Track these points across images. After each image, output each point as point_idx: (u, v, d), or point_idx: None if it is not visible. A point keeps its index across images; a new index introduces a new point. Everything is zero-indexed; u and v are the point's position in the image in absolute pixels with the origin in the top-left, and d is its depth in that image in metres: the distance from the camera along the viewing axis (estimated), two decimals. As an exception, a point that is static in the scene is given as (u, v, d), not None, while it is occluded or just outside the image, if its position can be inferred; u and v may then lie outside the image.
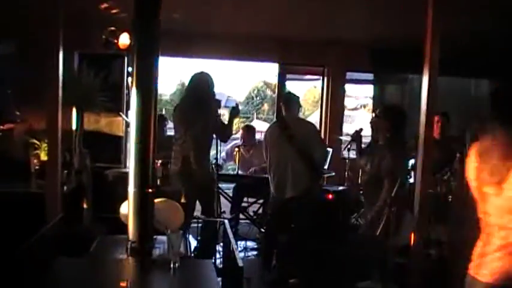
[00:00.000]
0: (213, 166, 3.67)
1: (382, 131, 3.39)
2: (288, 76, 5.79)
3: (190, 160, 3.60)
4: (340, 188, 4.52)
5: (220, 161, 5.10)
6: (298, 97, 4.01)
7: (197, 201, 3.72)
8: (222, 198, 4.65)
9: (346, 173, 4.75)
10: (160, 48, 2.25)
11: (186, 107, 3.64)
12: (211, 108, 3.61)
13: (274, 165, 3.84)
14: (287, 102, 3.92)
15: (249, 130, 5.22)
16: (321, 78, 5.69)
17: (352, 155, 4.26)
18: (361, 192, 3.98)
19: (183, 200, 3.61)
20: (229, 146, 5.21)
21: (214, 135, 3.72)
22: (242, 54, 5.33)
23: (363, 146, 3.67)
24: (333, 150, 4.94)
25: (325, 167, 4.75)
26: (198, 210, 3.76)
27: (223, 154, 5.27)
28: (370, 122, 3.66)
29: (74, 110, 3.99)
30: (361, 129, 3.65)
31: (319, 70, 5.70)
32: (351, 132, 4.09)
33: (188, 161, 3.61)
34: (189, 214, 3.61)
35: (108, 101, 4.04)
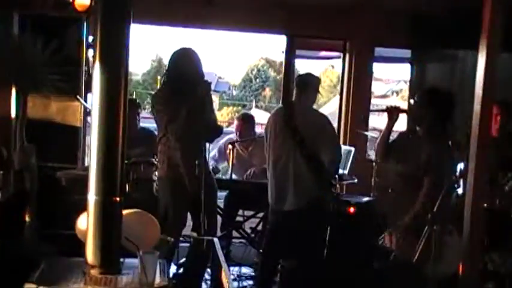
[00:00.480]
0: (201, 167, 3.65)
1: (423, 121, 3.38)
2: (298, 53, 5.79)
3: (177, 162, 3.59)
4: (365, 199, 4.54)
5: (210, 163, 5.13)
6: (318, 81, 4.04)
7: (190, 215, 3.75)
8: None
9: (373, 179, 4.75)
10: (133, 12, 2.23)
11: (167, 95, 3.64)
12: (199, 94, 3.60)
13: (272, 166, 3.89)
14: (302, 85, 3.94)
15: (247, 120, 5.18)
16: (341, 55, 5.69)
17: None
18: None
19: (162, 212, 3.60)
20: (222, 141, 5.20)
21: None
22: (239, 23, 5.30)
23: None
24: (355, 150, 4.94)
25: (344, 171, 4.76)
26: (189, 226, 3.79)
27: (214, 153, 5.25)
28: (406, 110, 3.64)
29: (14, 91, 3.97)
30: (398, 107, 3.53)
31: (338, 45, 5.69)
32: (380, 126, 4.10)
33: (175, 164, 3.61)
34: (177, 231, 3.64)
35: (60, 80, 4.01)
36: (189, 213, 3.76)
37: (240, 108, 33.36)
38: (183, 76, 3.59)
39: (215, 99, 37.53)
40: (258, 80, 36.57)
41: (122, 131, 2.24)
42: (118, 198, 2.41)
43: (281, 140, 3.84)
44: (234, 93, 37.81)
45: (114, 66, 2.24)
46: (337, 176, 4.27)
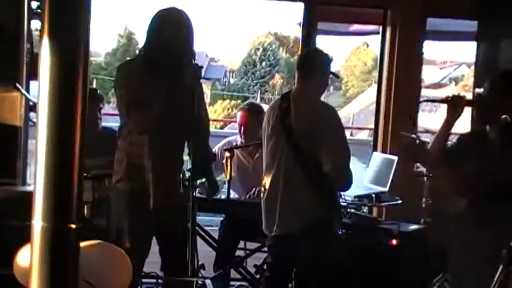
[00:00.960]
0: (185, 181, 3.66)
1: (496, 118, 3.32)
2: (320, 26, 5.84)
3: (141, 164, 3.58)
4: (413, 226, 4.58)
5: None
6: (328, 59, 4.04)
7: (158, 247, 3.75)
8: (200, 242, 4.63)
9: (424, 200, 4.76)
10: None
11: (139, 69, 3.60)
12: (186, 80, 3.59)
13: (264, 176, 3.98)
14: (305, 67, 3.98)
15: (254, 113, 5.11)
16: (380, 29, 5.73)
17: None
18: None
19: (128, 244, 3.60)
20: (218, 145, 5.21)
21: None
22: None
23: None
24: (399, 160, 4.97)
25: (383, 188, 4.81)
26: (155, 263, 3.75)
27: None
28: (472, 102, 3.61)
29: None
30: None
31: (375, 15, 5.74)
32: (433, 126, 4.11)
33: (137, 166, 3.59)
34: (137, 268, 3.61)
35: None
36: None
37: (239, 102, 33.25)
38: (167, 48, 3.53)
39: (205, 90, 37.60)
40: (264, 63, 36.40)
41: (80, 133, 2.24)
42: (74, 226, 2.40)
43: (273, 143, 3.92)
44: (232, 81, 37.80)
45: (70, 43, 2.24)
46: (362, 194, 4.30)
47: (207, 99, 34.96)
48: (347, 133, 15.86)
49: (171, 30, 3.57)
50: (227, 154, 4.74)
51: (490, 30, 5.73)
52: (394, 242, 4.26)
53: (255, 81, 34.84)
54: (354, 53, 37.04)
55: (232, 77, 38.29)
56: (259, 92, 33.52)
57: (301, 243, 3.81)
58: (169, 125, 3.58)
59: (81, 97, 2.28)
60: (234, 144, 5.06)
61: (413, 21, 5.60)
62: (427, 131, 5.72)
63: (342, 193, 4.75)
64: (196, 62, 3.64)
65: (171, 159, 3.67)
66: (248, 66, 35.68)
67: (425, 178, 4.77)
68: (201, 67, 3.64)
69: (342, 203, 4.57)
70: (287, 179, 3.82)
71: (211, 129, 5.70)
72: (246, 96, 32.62)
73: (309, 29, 5.61)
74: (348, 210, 4.58)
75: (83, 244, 2.36)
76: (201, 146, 3.72)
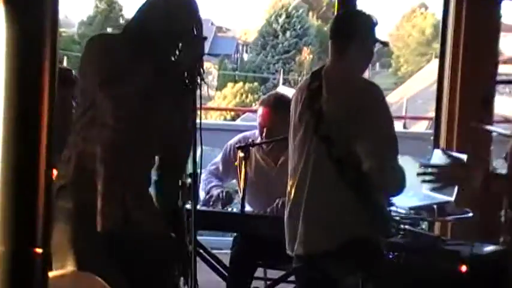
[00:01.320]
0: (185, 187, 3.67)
1: None
2: None
3: (97, 172, 3.55)
4: (489, 248, 4.56)
5: (218, 187, 5.16)
6: (371, 22, 4.02)
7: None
8: (205, 268, 4.70)
9: (504, 212, 4.76)
10: None
11: (124, 45, 3.62)
12: (182, 60, 3.59)
13: (290, 179, 4.02)
14: (338, 34, 4.03)
15: (281, 111, 5.06)
16: None
17: None
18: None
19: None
20: (230, 142, 5.24)
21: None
22: None
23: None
24: (470, 160, 4.94)
25: (448, 197, 4.78)
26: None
27: (216, 160, 5.33)
28: None
29: None
30: None
31: None
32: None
33: (91, 174, 3.56)
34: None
35: None
36: None
37: (255, 85, 33.24)
38: (166, 31, 3.57)
39: (212, 69, 37.59)
40: (288, 33, 36.31)
41: (47, 129, 2.27)
42: (41, 250, 2.44)
43: (300, 135, 3.93)
44: (246, 57, 37.82)
45: (33, 9, 2.28)
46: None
47: (214, 80, 35.12)
48: (399, 124, 15.99)
49: (171, 9, 3.60)
50: (241, 154, 4.72)
51: None
52: (464, 268, 4.23)
53: (276, 58, 34.97)
54: (407, 17, 37.09)
55: (246, 52, 38.44)
56: (281, 71, 33.61)
57: (333, 267, 3.81)
58: (145, 122, 3.60)
59: (48, 80, 2.30)
60: (251, 141, 5.01)
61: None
62: (507, 120, 5.70)
63: (394, 202, 4.80)
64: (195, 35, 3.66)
65: (138, 166, 3.67)
66: (267, 37, 35.84)
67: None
68: (205, 38, 3.66)
69: (394, 216, 4.59)
70: (315, 181, 3.82)
71: (219, 120, 5.73)
72: (265, 78, 32.76)
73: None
74: (401, 226, 4.56)
75: (51, 274, 2.39)
76: (177, 168, 3.76)
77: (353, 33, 3.95)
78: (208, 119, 19.94)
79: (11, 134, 2.30)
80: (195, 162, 3.61)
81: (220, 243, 5.59)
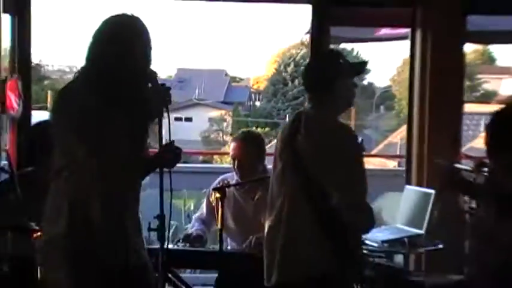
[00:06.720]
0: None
1: None
2: (340, 32, 5.93)
3: (92, 218, 3.50)
4: (456, 277, 4.49)
5: (196, 229, 5.15)
6: (337, 62, 3.96)
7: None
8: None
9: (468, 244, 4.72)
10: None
11: (91, 97, 3.57)
12: (154, 101, 3.57)
13: (268, 213, 4.00)
14: (307, 80, 4.03)
15: (251, 144, 5.14)
16: (409, 32, 5.87)
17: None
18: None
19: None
20: (214, 184, 5.24)
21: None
22: None
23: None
24: (438, 195, 4.95)
25: (419, 231, 4.76)
26: None
27: (202, 205, 5.35)
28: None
29: None
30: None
31: (403, 14, 5.81)
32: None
33: (86, 221, 3.51)
34: None
35: None
36: None
37: (267, 130, 33.20)
38: (121, 65, 3.51)
39: (226, 115, 37.80)
40: (296, 81, 36.38)
41: None
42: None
43: (279, 170, 3.94)
44: (258, 104, 37.95)
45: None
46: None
47: (228, 127, 35.22)
48: (394, 163, 15.88)
49: (123, 41, 3.53)
50: (217, 195, 4.70)
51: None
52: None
53: (286, 104, 34.98)
54: (407, 62, 37.10)
55: (258, 99, 38.57)
56: (288, 114, 33.64)
57: None
58: (125, 163, 3.56)
59: None
60: (226, 182, 5.04)
61: (450, 20, 5.63)
62: (471, 157, 5.65)
63: (367, 238, 4.76)
64: (163, 83, 3.65)
65: (129, 205, 3.65)
66: (277, 85, 35.93)
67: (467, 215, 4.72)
68: (169, 88, 3.63)
69: (364, 251, 4.56)
70: (291, 216, 3.79)
71: (229, 164, 5.79)
72: (276, 123, 32.65)
73: (320, 35, 5.72)
74: (372, 259, 4.53)
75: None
76: None
77: (322, 84, 3.92)
78: (223, 163, 19.79)
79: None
80: (162, 204, 3.61)
81: (207, 280, 5.56)
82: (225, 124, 34.41)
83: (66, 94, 3.69)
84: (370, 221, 3.81)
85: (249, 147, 5.12)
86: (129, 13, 3.63)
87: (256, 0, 6.35)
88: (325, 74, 3.92)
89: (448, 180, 3.77)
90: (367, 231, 4.05)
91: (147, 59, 3.60)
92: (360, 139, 3.99)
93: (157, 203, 3.63)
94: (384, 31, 6.74)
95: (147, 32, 3.60)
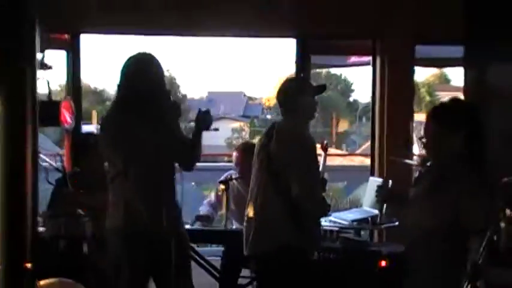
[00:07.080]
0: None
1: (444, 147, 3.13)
2: (321, 60, 5.94)
3: (138, 208, 3.59)
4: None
5: (205, 209, 5.19)
6: (301, 86, 4.04)
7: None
8: (201, 273, 4.59)
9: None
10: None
11: (122, 120, 3.63)
12: (168, 116, 3.66)
13: (248, 202, 4.01)
14: (284, 97, 4.00)
15: (250, 153, 5.17)
16: (371, 60, 5.79)
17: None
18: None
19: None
20: (222, 178, 5.22)
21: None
22: (226, 25, 5.51)
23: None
24: (393, 183, 4.84)
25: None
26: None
27: (210, 198, 5.33)
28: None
29: None
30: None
31: (366, 45, 5.78)
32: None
33: (136, 213, 3.60)
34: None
35: None
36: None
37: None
38: (147, 91, 3.64)
39: (245, 126, 37.92)
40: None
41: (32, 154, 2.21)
42: (29, 265, 2.35)
43: (256, 169, 3.97)
44: (269, 116, 37.88)
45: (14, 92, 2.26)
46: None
47: (246, 135, 35.24)
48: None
49: (147, 74, 3.66)
50: (222, 186, 4.89)
51: (479, 55, 5.36)
52: (383, 263, 4.11)
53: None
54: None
55: (268, 112, 38.41)
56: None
57: (270, 265, 3.81)
58: (159, 164, 3.63)
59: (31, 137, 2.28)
60: (229, 176, 5.11)
61: (403, 49, 5.60)
62: (420, 156, 5.57)
63: (337, 218, 4.74)
64: (174, 100, 3.73)
65: (166, 197, 3.68)
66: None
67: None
68: (180, 104, 3.78)
69: (334, 228, 4.57)
70: (263, 201, 3.84)
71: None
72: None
73: (303, 62, 5.71)
74: (340, 235, 4.47)
75: (43, 282, 2.34)
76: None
77: (289, 101, 3.95)
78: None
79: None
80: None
81: (215, 252, 5.52)
82: (243, 133, 34.39)
83: (107, 118, 3.85)
84: (323, 205, 3.95)
85: (248, 156, 4.83)
86: (147, 51, 3.75)
87: (246, 35, 6.11)
88: (291, 94, 3.97)
89: (382, 195, 3.71)
90: (323, 213, 4.10)
91: (162, 83, 3.74)
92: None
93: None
94: (353, 59, 6.72)
95: (160, 65, 3.74)
